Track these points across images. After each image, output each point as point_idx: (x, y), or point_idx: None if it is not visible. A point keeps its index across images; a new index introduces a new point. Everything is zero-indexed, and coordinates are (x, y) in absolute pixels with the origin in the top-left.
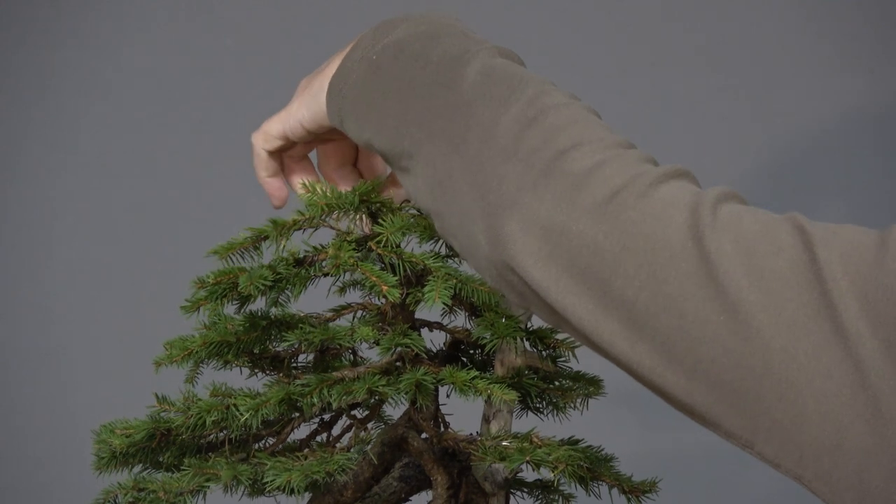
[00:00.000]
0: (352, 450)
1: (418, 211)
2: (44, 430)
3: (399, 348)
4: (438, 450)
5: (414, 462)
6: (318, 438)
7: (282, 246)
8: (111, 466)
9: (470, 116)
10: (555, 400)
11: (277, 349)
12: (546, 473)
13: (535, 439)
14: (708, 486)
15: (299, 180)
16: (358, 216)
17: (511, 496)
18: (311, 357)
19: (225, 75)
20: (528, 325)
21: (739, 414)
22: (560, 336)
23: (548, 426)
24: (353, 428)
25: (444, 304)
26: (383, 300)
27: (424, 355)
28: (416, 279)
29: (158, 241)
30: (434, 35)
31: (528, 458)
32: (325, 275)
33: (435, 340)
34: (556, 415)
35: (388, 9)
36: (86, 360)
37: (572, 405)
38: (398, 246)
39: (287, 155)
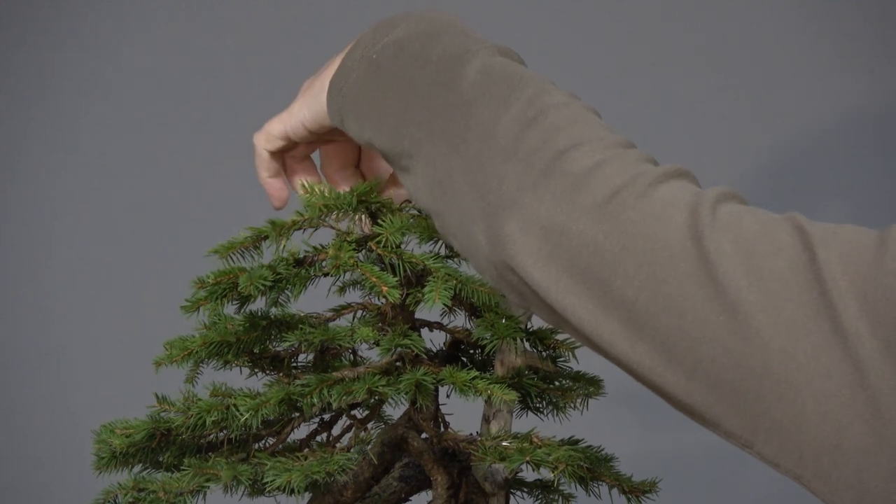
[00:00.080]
0: (352, 450)
1: (419, 211)
2: (44, 430)
3: (399, 348)
4: (438, 450)
5: (414, 462)
6: (318, 438)
7: (282, 246)
8: (111, 466)
9: (470, 116)
10: (555, 400)
11: (277, 349)
12: (546, 473)
13: (535, 439)
14: (708, 486)
15: (300, 181)
16: (358, 216)
17: (511, 496)
18: (311, 357)
19: (225, 75)
20: (528, 325)
21: (739, 414)
22: (560, 336)
23: (548, 426)
24: (353, 428)
25: (444, 304)
26: (383, 300)
27: (424, 355)
28: (416, 279)
29: (158, 241)
30: (434, 33)
31: (528, 458)
32: (325, 275)
33: (435, 340)
34: (556, 415)
35: (388, 9)
36: (86, 360)
37: (572, 405)
38: (398, 246)
39: (289, 155)
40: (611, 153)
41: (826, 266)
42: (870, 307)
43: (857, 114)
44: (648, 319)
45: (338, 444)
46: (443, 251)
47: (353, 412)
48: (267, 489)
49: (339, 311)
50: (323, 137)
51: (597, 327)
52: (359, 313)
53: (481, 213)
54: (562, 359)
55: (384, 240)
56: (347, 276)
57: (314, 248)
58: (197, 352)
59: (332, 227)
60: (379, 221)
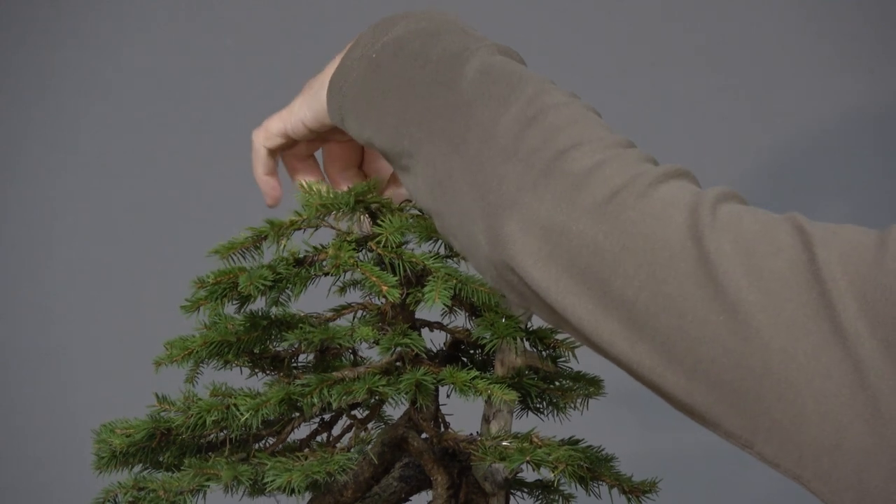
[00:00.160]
0: (352, 450)
1: (419, 211)
2: (44, 430)
3: (399, 348)
4: (438, 450)
5: (414, 462)
6: (319, 438)
7: (282, 246)
8: (111, 466)
9: (470, 116)
10: (555, 400)
11: (277, 349)
12: (546, 473)
13: (535, 439)
14: (708, 486)
15: (301, 180)
16: (358, 216)
17: (511, 496)
18: (311, 357)
19: (225, 75)
20: (528, 325)
21: (739, 414)
22: (560, 336)
23: (548, 426)
24: (354, 428)
25: (444, 304)
26: (383, 300)
27: (424, 355)
28: (416, 279)
29: (158, 241)
30: (433, 32)
31: (528, 458)
32: (326, 275)
33: (435, 340)
34: (556, 415)
35: (388, 9)
36: (86, 360)
37: (572, 405)
38: (398, 246)
39: (291, 154)
40: (611, 153)
41: (826, 266)
42: (869, 307)
43: (857, 114)
44: (648, 319)
45: (338, 444)
46: (443, 251)
47: (353, 412)
48: (267, 489)
49: (339, 311)
50: (323, 136)
51: (597, 327)
52: (359, 313)
53: (481, 212)
54: (562, 359)
55: (384, 240)
56: (347, 275)
57: (314, 247)
58: (197, 352)
59: (332, 227)
60: (379, 221)
